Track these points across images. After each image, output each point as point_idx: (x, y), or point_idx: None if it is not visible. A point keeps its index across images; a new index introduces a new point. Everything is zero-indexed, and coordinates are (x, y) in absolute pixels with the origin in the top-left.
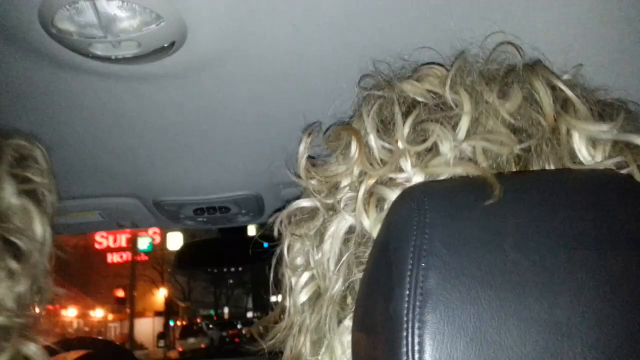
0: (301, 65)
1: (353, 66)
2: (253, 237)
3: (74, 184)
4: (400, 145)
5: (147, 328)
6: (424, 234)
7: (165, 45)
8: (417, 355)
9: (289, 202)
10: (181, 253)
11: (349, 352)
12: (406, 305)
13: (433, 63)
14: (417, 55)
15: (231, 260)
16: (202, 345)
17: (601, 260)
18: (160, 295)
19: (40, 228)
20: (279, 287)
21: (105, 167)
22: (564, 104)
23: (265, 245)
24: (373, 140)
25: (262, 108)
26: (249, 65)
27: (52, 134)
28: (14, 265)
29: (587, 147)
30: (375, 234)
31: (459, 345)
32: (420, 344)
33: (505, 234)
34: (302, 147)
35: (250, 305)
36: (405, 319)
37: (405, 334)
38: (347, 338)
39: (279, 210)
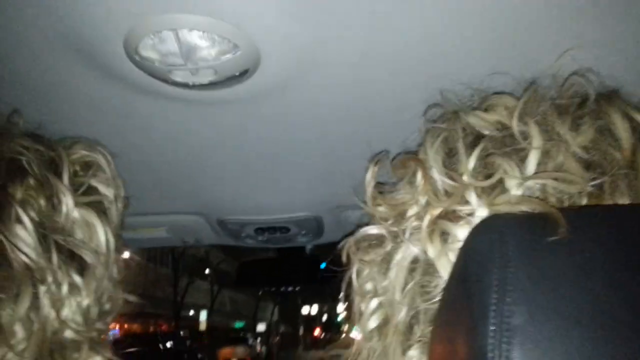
0: (367, 93)
1: (420, 95)
2: (310, 257)
3: (144, 201)
4: (465, 179)
5: None
6: (508, 267)
7: (239, 73)
8: None
9: (357, 227)
10: (241, 269)
11: None
12: (492, 341)
13: (503, 92)
14: (487, 83)
15: (289, 279)
16: None
17: None
18: None
19: (103, 239)
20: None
21: (174, 185)
22: None
23: (322, 265)
24: (436, 173)
25: (327, 133)
26: (316, 91)
27: (127, 153)
28: (77, 279)
29: None
30: (439, 264)
31: None
32: None
33: (593, 269)
34: (369, 175)
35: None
36: (491, 355)
37: None
38: None
39: (347, 235)
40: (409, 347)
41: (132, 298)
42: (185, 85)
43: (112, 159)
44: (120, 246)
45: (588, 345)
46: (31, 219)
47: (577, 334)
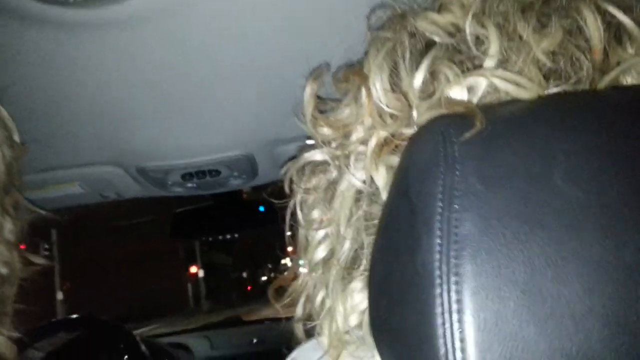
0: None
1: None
2: (248, 201)
3: (48, 154)
4: (411, 97)
5: None
6: (454, 170)
7: None
8: (455, 316)
9: (299, 152)
10: (175, 221)
11: (352, 317)
12: (437, 256)
13: None
14: None
15: (228, 227)
16: None
17: None
18: None
19: None
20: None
21: (80, 132)
22: (617, 33)
23: (261, 209)
24: (380, 92)
25: (252, 51)
26: (228, 2)
27: (15, 97)
28: None
29: None
30: (385, 194)
31: (508, 301)
32: (459, 301)
33: (553, 163)
34: (308, 91)
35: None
36: (438, 272)
37: (438, 290)
38: (351, 302)
39: (285, 163)
40: (352, 279)
41: (38, 259)
42: (59, 2)
43: None
44: (12, 203)
45: (553, 249)
46: None
47: (539, 238)
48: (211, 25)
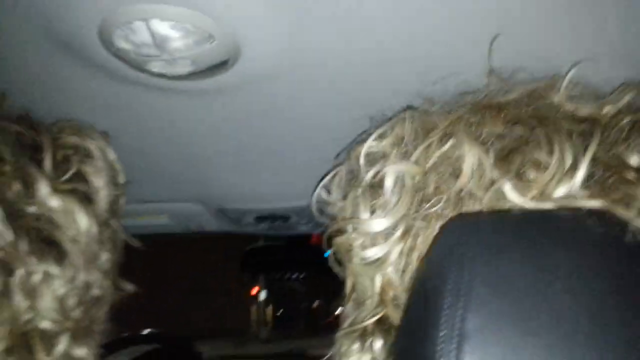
0: (362, 75)
1: (408, 84)
2: (316, 244)
3: (144, 190)
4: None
5: None
6: (463, 270)
7: (219, 63)
8: None
9: None
10: (247, 256)
11: None
12: (440, 347)
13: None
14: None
15: (296, 267)
16: None
17: None
18: None
19: (83, 227)
20: None
21: (172, 174)
22: None
23: (327, 254)
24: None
25: (328, 120)
26: (307, 76)
27: (120, 143)
28: (53, 267)
29: None
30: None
31: None
32: None
33: (554, 275)
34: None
35: None
36: None
37: None
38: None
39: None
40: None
41: (129, 287)
42: (163, 76)
43: (107, 144)
44: (110, 235)
45: (544, 355)
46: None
47: (533, 343)
48: (290, 97)
